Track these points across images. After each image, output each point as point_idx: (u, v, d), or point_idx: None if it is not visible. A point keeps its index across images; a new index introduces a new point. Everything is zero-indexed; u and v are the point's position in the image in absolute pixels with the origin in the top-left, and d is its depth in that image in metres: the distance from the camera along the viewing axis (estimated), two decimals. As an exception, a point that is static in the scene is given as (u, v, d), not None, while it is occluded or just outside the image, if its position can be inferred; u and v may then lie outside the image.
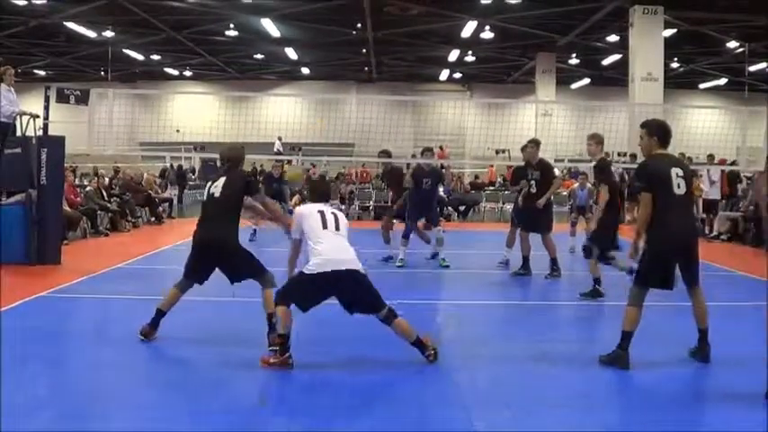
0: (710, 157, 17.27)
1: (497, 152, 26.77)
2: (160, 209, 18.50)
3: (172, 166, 25.52)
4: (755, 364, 5.64)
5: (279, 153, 27.40)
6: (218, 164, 6.14)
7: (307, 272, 5.46)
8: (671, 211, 5.57)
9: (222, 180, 6.14)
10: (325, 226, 5.59)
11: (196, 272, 6.18)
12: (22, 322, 6.80)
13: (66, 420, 4.37)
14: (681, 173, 5.66)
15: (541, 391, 5.12)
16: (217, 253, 6.08)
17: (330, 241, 5.53)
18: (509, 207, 22.51)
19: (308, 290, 5.47)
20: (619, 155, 23.96)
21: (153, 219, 17.75)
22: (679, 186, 5.62)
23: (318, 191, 6.22)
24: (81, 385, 5.16)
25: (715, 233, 15.52)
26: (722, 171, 16.49)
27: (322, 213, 5.68)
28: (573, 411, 4.74)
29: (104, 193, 15.99)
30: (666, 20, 20.43)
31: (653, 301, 7.14)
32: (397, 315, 5.55)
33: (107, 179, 17.61)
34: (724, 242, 15.00)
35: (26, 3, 22.36)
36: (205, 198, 6.28)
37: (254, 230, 12.38)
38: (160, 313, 6.12)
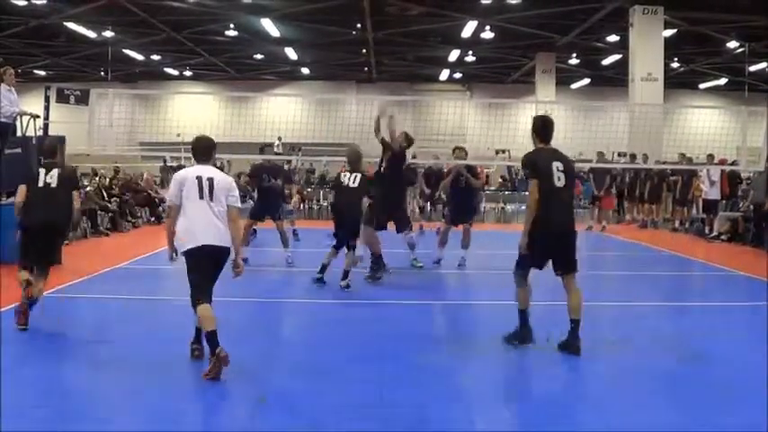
0: (710, 156, 17.26)
1: (497, 152, 26.76)
2: (160, 209, 18.49)
3: (165, 162, 25.46)
4: (756, 363, 5.66)
5: (278, 153, 27.39)
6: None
7: (184, 256, 5.37)
8: (551, 202, 5.91)
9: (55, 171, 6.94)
10: (201, 195, 5.40)
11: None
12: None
13: (65, 420, 4.37)
14: (561, 167, 6.00)
15: (541, 390, 5.13)
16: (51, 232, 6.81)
17: (198, 213, 5.37)
18: (510, 207, 22.67)
19: (194, 274, 5.35)
20: (619, 155, 23.96)
21: (153, 219, 17.74)
22: (559, 179, 5.97)
23: (200, 148, 5.77)
24: (80, 385, 5.16)
25: (715, 233, 15.51)
26: (722, 171, 16.46)
27: (199, 180, 5.45)
28: (573, 411, 4.74)
29: (104, 194, 15.99)
30: (666, 20, 20.42)
31: (651, 300, 7.15)
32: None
33: (107, 179, 17.60)
34: (724, 242, 14.99)
35: (26, 3, 22.33)
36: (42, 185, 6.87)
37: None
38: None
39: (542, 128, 6.23)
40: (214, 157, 5.91)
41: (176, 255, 5.55)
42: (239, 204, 5.63)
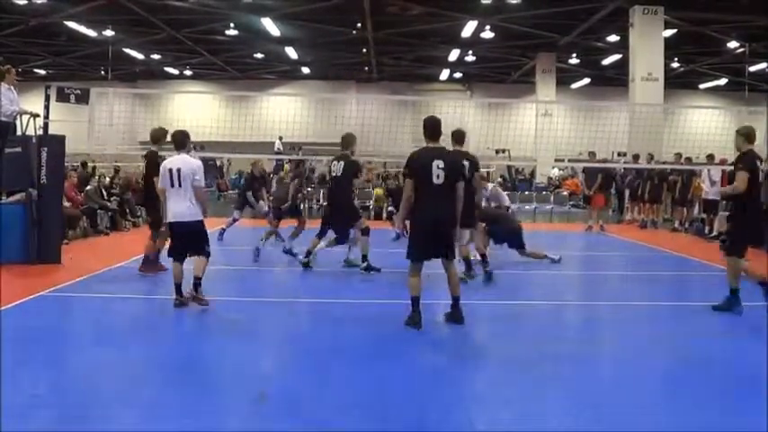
0: (710, 157, 17.25)
1: (497, 152, 26.76)
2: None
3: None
4: (756, 363, 5.66)
5: (279, 152, 27.40)
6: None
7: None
8: (429, 198, 6.50)
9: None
10: (173, 184, 7.06)
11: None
12: (23, 322, 6.81)
13: (66, 420, 4.37)
14: (442, 164, 6.52)
15: (541, 390, 5.12)
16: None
17: (173, 197, 7.12)
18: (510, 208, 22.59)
19: (172, 241, 7.31)
20: (619, 155, 23.97)
21: (153, 218, 17.74)
22: (438, 177, 6.50)
23: (177, 139, 7.28)
24: (81, 385, 5.16)
25: (715, 233, 15.49)
26: (723, 171, 16.44)
27: (171, 172, 7.08)
28: (572, 411, 4.74)
29: (104, 193, 15.99)
30: (666, 20, 20.44)
31: (651, 300, 7.13)
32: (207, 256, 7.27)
33: (108, 178, 17.60)
34: (724, 242, 14.96)
35: (26, 2, 22.33)
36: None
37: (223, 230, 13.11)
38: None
39: (430, 128, 6.79)
40: (189, 145, 7.45)
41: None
42: (202, 184, 7.25)
